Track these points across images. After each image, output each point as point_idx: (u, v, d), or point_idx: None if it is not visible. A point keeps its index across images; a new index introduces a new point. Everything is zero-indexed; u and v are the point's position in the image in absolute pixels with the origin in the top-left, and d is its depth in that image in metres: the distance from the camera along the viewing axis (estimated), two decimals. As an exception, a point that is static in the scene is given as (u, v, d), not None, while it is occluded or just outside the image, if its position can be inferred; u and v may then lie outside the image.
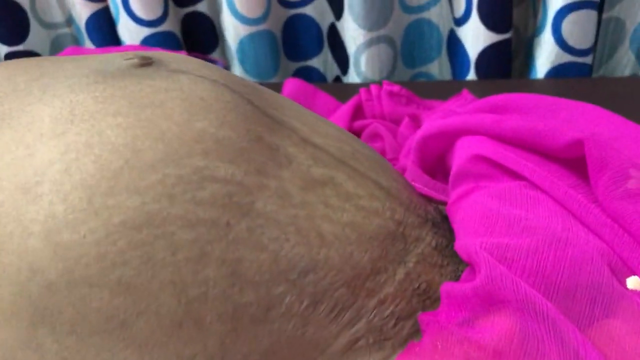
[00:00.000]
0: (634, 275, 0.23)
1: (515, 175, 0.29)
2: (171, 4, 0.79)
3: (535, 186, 0.27)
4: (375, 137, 0.53)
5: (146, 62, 0.27)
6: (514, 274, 0.22)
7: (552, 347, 0.20)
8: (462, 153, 0.32)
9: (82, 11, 0.80)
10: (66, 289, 0.21)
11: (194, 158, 0.23)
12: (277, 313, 0.22)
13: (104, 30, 0.81)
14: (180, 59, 0.29)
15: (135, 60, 0.27)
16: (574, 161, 0.28)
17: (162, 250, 0.21)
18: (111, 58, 0.28)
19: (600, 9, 0.67)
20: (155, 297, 0.21)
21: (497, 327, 0.20)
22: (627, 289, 0.22)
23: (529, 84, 0.71)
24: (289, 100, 0.31)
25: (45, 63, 0.28)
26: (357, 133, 0.55)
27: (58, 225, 0.21)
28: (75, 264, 0.21)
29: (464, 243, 0.25)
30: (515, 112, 0.37)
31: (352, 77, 0.78)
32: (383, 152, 0.51)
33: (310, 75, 0.84)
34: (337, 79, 0.83)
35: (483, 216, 0.26)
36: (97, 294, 0.21)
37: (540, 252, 0.22)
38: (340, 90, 0.73)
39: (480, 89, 0.61)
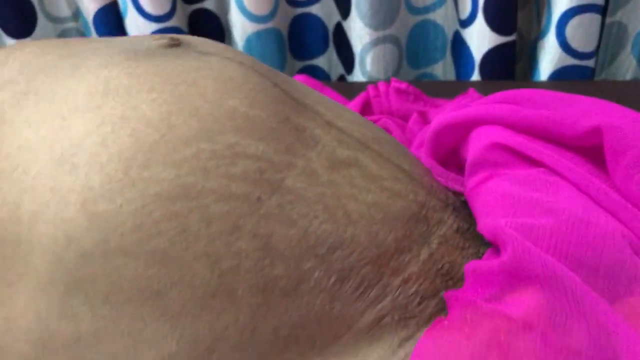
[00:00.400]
0: (653, 256, 0.23)
1: (533, 163, 0.29)
2: (179, 1, 0.79)
3: (553, 172, 0.28)
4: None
5: (175, 43, 0.28)
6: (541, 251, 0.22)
7: (580, 321, 0.20)
8: (478, 142, 0.33)
9: (90, 5, 0.80)
10: (101, 259, 0.21)
11: (226, 134, 0.23)
12: (307, 287, 0.23)
13: (111, 25, 0.82)
14: (206, 42, 0.30)
15: (165, 41, 0.27)
16: (588, 150, 0.29)
17: (197, 222, 0.22)
18: (140, 39, 0.29)
19: (603, 13, 0.68)
20: (189, 268, 0.21)
21: (526, 301, 0.21)
22: (647, 268, 0.23)
23: (532, 86, 0.71)
24: (311, 89, 0.31)
25: (72, 42, 0.28)
26: (366, 128, 0.56)
27: (95, 196, 0.21)
28: (111, 233, 0.21)
29: (488, 223, 0.25)
30: (529, 106, 0.38)
31: (357, 76, 0.79)
32: (392, 147, 0.52)
33: (314, 74, 0.85)
34: (341, 79, 0.84)
35: (505, 199, 0.26)
36: (131, 264, 0.21)
37: (564, 231, 0.23)
38: (345, 88, 0.73)
39: (484, 90, 0.61)
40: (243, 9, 0.76)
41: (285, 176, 0.24)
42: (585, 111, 0.36)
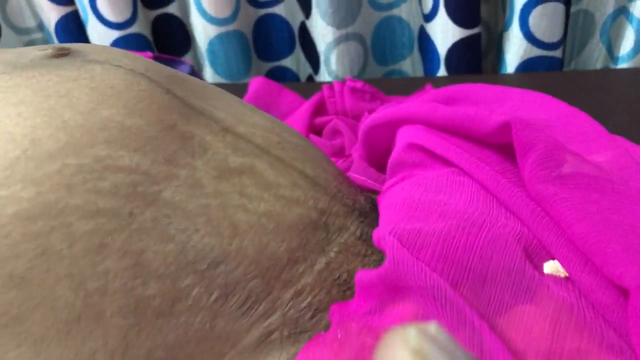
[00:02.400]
0: (552, 259, 0.22)
1: (446, 163, 0.28)
2: (140, 6, 0.78)
3: (463, 172, 0.27)
4: (336, 133, 0.53)
5: (61, 53, 0.26)
6: (423, 259, 0.21)
7: (455, 334, 0.19)
8: (399, 142, 0.31)
9: (50, 15, 0.79)
10: None
11: (96, 147, 0.22)
12: (184, 306, 0.22)
13: (73, 33, 0.81)
14: (103, 50, 0.29)
15: (49, 51, 0.26)
16: (508, 147, 0.28)
17: (59, 242, 0.20)
18: (27, 50, 0.27)
19: (567, 1, 0.66)
20: (51, 290, 0.20)
21: (400, 314, 0.20)
22: (542, 274, 0.22)
23: (499, 79, 0.70)
24: (219, 91, 0.30)
25: None
26: (318, 129, 0.55)
27: None
28: None
29: (376, 231, 0.24)
30: (465, 102, 0.37)
31: (324, 76, 0.78)
32: (342, 148, 0.51)
33: (283, 75, 0.84)
34: (310, 78, 0.83)
35: (403, 203, 0.25)
36: None
37: (452, 236, 0.22)
38: (313, 89, 0.72)
39: (450, 85, 0.60)
40: (203, 13, 0.75)
41: (163, 188, 0.22)
42: (518, 108, 0.34)
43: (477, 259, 0.21)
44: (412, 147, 0.30)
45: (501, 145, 0.28)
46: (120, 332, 0.21)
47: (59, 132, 0.22)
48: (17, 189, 0.21)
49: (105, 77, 0.25)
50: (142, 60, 0.28)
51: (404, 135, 0.31)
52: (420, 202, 0.25)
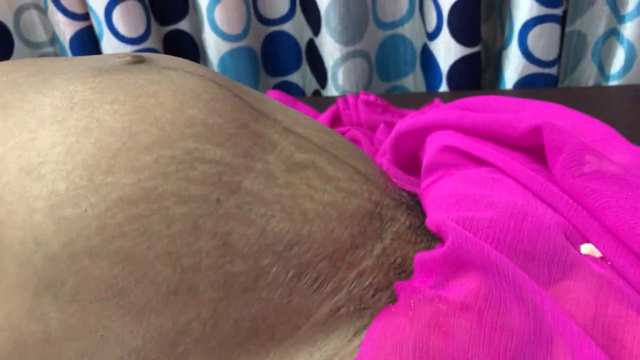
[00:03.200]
0: (587, 242, 0.25)
1: (481, 162, 0.31)
2: (153, 22, 0.81)
3: (499, 170, 0.30)
4: (353, 142, 0.56)
5: (138, 60, 0.29)
6: (479, 240, 0.24)
7: (515, 302, 0.22)
8: (431, 146, 0.34)
9: (65, 29, 0.81)
10: (68, 260, 0.22)
11: (185, 141, 0.25)
12: (265, 282, 0.24)
13: (88, 48, 0.83)
14: (169, 58, 0.31)
15: (129, 58, 0.29)
16: (534, 149, 0.31)
17: (158, 223, 0.23)
18: (105, 57, 0.30)
19: (563, 22, 0.71)
20: (151, 266, 0.23)
21: (465, 285, 0.23)
22: (581, 254, 0.25)
23: (498, 95, 0.74)
24: (271, 99, 0.33)
25: (41, 61, 0.30)
26: (336, 139, 0.58)
27: (61, 201, 0.22)
28: (77, 236, 0.22)
29: (433, 217, 0.27)
30: (483, 110, 0.40)
31: (331, 91, 0.81)
32: (361, 156, 0.54)
33: (289, 90, 0.87)
34: (316, 93, 0.86)
35: (450, 195, 0.28)
36: (97, 264, 0.22)
37: (502, 222, 0.25)
38: (320, 102, 0.75)
39: (452, 100, 0.64)
40: (216, 29, 0.78)
41: (244, 178, 0.25)
42: (535, 115, 0.38)
43: (525, 241, 0.24)
44: (448, 149, 0.33)
45: (527, 148, 0.31)
46: (211, 305, 0.23)
47: (152, 127, 0.25)
48: (120, 176, 0.23)
49: (182, 81, 0.27)
50: (205, 68, 0.31)
51: (437, 139, 0.34)
52: (466, 194, 0.28)
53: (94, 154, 0.23)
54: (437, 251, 0.24)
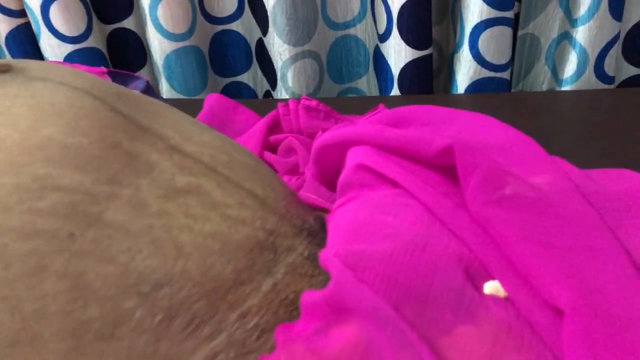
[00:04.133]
0: (493, 279, 0.23)
1: (392, 184, 0.28)
2: (95, 20, 0.77)
3: (408, 194, 0.27)
4: (290, 150, 0.53)
5: (2, 70, 0.26)
6: (367, 280, 0.21)
7: (394, 357, 0.19)
8: (348, 163, 0.32)
9: (1, 26, 0.77)
10: None
11: (34, 165, 0.21)
12: (127, 329, 0.21)
13: (25, 46, 0.79)
14: (47, 67, 0.28)
15: (-9, 68, 0.26)
16: (452, 169, 0.28)
17: None
18: (-32, 66, 0.27)
19: (515, 25, 0.69)
20: None
21: (343, 336, 0.20)
22: (483, 294, 0.22)
23: (450, 99, 0.72)
24: (168, 109, 0.30)
25: None
26: (273, 147, 0.55)
27: None
28: None
29: (323, 252, 0.24)
30: (414, 124, 0.38)
31: (281, 93, 0.78)
32: (296, 166, 0.51)
33: (240, 91, 0.84)
34: (268, 94, 0.83)
35: (349, 224, 0.25)
36: None
37: (395, 258, 0.22)
38: (269, 105, 0.72)
39: (403, 104, 0.62)
40: (159, 27, 0.74)
41: (105, 208, 0.22)
42: (464, 130, 0.35)
43: (419, 281, 0.21)
44: (361, 167, 0.30)
45: (445, 167, 0.29)
46: (57, 357, 0.20)
47: None
48: None
49: (46, 95, 0.24)
50: (88, 78, 0.28)
51: (353, 156, 0.32)
52: (365, 223, 0.25)
53: None
54: (320, 293, 0.22)
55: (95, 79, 0.28)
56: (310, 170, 0.39)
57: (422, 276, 0.21)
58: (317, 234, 0.28)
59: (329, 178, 0.38)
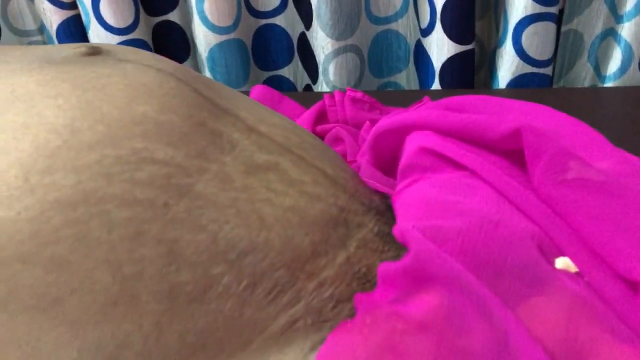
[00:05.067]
0: (563, 256, 0.24)
1: (457, 166, 0.29)
2: (142, 12, 0.79)
3: (474, 175, 0.28)
4: (337, 140, 0.54)
5: (93, 52, 0.27)
6: (445, 252, 0.22)
7: (476, 322, 0.20)
8: (409, 147, 0.33)
9: (52, 18, 0.79)
10: None
11: (132, 140, 0.23)
12: (215, 293, 0.23)
13: (75, 37, 0.81)
14: (130, 50, 0.30)
15: (83, 49, 0.27)
16: (515, 153, 0.29)
17: (98, 228, 0.21)
18: (60, 48, 0.28)
19: (559, 21, 0.69)
20: (89, 274, 0.21)
21: (425, 302, 0.21)
22: (555, 268, 0.23)
23: (491, 94, 0.72)
24: (239, 93, 0.31)
25: None
26: (320, 137, 0.56)
27: None
28: (8, 241, 0.21)
29: (399, 225, 0.25)
30: (470, 112, 0.39)
31: (322, 86, 0.79)
32: (344, 155, 0.52)
33: (280, 85, 0.85)
34: (307, 88, 0.84)
35: (420, 202, 0.26)
36: (29, 270, 0.21)
37: (471, 233, 0.23)
38: (310, 98, 0.74)
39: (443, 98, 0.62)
40: (205, 20, 0.76)
41: (196, 181, 0.23)
42: (515, 115, 0.36)
43: (495, 254, 0.22)
44: (424, 151, 0.31)
45: (508, 151, 0.30)
46: (154, 317, 0.22)
47: (97, 124, 0.23)
48: (59, 176, 0.21)
49: (137, 75, 0.26)
50: (168, 61, 0.29)
51: (415, 140, 0.33)
52: (437, 201, 0.26)
53: (30, 153, 0.22)
54: (400, 263, 0.23)
55: (175, 63, 0.30)
56: (366, 157, 0.40)
57: (498, 250, 0.22)
58: (384, 214, 0.29)
59: (384, 164, 0.39)
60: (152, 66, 0.27)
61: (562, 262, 0.23)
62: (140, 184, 0.22)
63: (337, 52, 0.75)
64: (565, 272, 0.23)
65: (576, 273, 0.23)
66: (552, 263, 0.23)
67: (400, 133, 0.36)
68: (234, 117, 0.27)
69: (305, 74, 0.83)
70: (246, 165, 0.25)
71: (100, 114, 0.23)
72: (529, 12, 0.66)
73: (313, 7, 0.72)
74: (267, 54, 0.83)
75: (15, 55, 0.27)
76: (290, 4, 0.78)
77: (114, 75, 0.25)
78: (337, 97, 0.59)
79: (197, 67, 0.84)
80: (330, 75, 0.77)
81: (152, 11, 0.81)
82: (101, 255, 0.21)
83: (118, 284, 0.21)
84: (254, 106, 0.30)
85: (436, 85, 0.74)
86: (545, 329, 0.20)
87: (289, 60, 0.84)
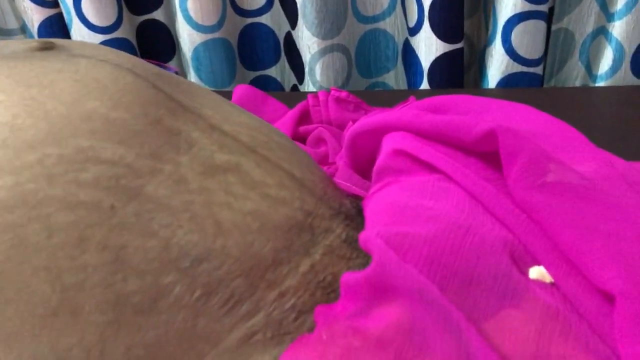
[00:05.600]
0: (538, 265, 0.22)
1: (431, 169, 0.28)
2: (125, 11, 0.78)
3: (448, 178, 0.27)
4: (320, 141, 0.52)
5: (45, 47, 0.26)
6: (410, 262, 0.21)
7: (437, 338, 0.19)
8: (384, 148, 0.31)
9: (34, 17, 0.78)
10: None
11: (78, 138, 0.21)
12: (165, 304, 0.21)
13: (57, 36, 0.80)
14: (89, 46, 0.28)
15: (34, 44, 0.26)
16: (492, 155, 0.28)
17: (36, 233, 0.20)
18: (10, 43, 0.27)
19: (549, 20, 0.67)
20: (26, 283, 0.20)
21: (385, 316, 0.20)
22: (528, 279, 0.21)
23: (480, 94, 0.71)
24: (206, 91, 0.30)
25: None
26: (303, 138, 0.55)
27: None
28: None
29: (363, 233, 0.24)
30: (450, 112, 0.37)
31: (308, 86, 0.78)
32: (326, 156, 0.51)
33: (267, 85, 0.84)
34: (295, 88, 0.83)
35: (389, 207, 0.25)
36: None
37: (439, 240, 0.21)
38: (297, 98, 0.72)
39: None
40: (189, 19, 0.75)
41: (147, 182, 0.22)
42: (502, 118, 0.35)
43: (463, 263, 0.21)
44: (398, 153, 0.30)
45: (485, 153, 0.28)
46: (97, 329, 0.20)
47: (40, 121, 0.21)
48: None
49: (90, 71, 0.24)
50: (128, 57, 0.28)
51: (390, 142, 0.31)
52: (406, 206, 0.24)
53: None
54: (361, 273, 0.21)
55: (135, 58, 0.28)
56: (343, 159, 0.39)
57: (467, 258, 0.21)
58: (354, 218, 0.27)
59: (361, 166, 0.37)
60: (108, 61, 0.26)
61: (537, 272, 0.22)
62: (85, 185, 0.21)
63: (323, 52, 0.74)
64: (539, 283, 0.21)
65: (551, 283, 0.21)
66: (525, 273, 0.22)
67: (377, 134, 0.34)
68: (196, 115, 0.26)
69: (292, 74, 0.82)
70: (204, 166, 0.24)
71: (43, 111, 0.22)
72: (519, 10, 0.64)
73: (298, 5, 0.71)
74: (253, 54, 0.81)
75: (-38, 51, 0.26)
76: (276, 3, 0.77)
77: (64, 71, 0.24)
78: (321, 97, 0.57)
79: (181, 67, 0.82)
80: (317, 75, 0.75)
81: (136, 10, 0.79)
82: (40, 262, 0.20)
83: (58, 293, 0.20)
84: (221, 104, 0.29)
85: (425, 85, 0.73)
86: (515, 345, 0.19)
87: (275, 60, 0.82)
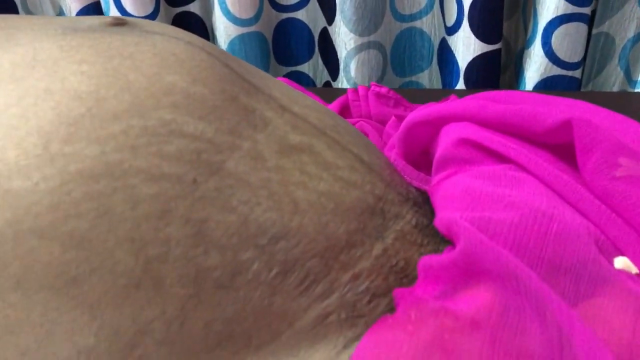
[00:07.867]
0: (622, 255, 0.22)
1: (500, 159, 0.28)
2: (162, 2, 0.78)
3: (520, 168, 0.26)
4: (361, 135, 0.52)
5: (119, 23, 0.26)
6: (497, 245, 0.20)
7: (535, 321, 0.18)
8: (446, 138, 0.31)
9: (72, 5, 0.78)
10: (13, 241, 0.19)
11: (161, 110, 0.21)
12: (244, 280, 0.21)
13: (92, 25, 0.80)
14: (156, 24, 0.28)
15: (109, 20, 0.26)
16: (561, 147, 0.27)
17: (121, 203, 0.20)
18: (84, 18, 0.27)
19: (590, 23, 0.67)
20: (110, 253, 0.19)
21: (477, 298, 0.19)
22: (615, 268, 0.21)
23: (518, 96, 0.70)
24: (271, 76, 0.30)
25: (10, 17, 0.27)
26: (343, 132, 0.54)
27: (9, 171, 0.19)
28: (25, 213, 0.19)
29: (444, 216, 0.23)
30: (506, 104, 0.37)
31: (342, 83, 0.77)
32: (368, 150, 0.50)
33: (299, 81, 0.83)
34: (327, 85, 0.83)
35: (464, 193, 0.24)
36: (46, 247, 0.19)
37: (524, 226, 0.21)
38: (329, 94, 0.72)
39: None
40: (227, 12, 0.75)
41: (227, 158, 0.22)
42: (559, 108, 0.34)
43: (550, 249, 0.20)
44: (463, 142, 0.29)
45: (552, 145, 0.28)
46: (179, 302, 0.20)
47: (124, 92, 0.21)
48: (81, 146, 0.20)
49: (166, 45, 0.24)
50: (197, 37, 0.28)
51: (453, 132, 0.31)
52: (483, 192, 0.24)
53: (52, 120, 0.20)
54: (446, 255, 0.21)
55: (204, 39, 0.28)
56: (395, 150, 0.38)
57: (553, 246, 0.20)
58: (422, 205, 0.27)
59: (414, 157, 0.37)
60: (181, 39, 0.26)
61: (622, 262, 0.21)
62: (168, 158, 0.21)
63: (359, 49, 0.73)
64: (625, 273, 0.21)
65: (637, 274, 0.21)
66: (611, 262, 0.21)
67: (435, 124, 0.34)
68: (267, 95, 0.26)
69: (325, 71, 0.82)
70: (280, 145, 0.23)
71: (126, 82, 0.21)
72: (560, 12, 0.64)
73: (337, 1, 0.71)
74: (287, 49, 0.81)
75: (38, 23, 0.26)
76: (313, -2, 0.77)
77: (142, 44, 0.24)
78: (361, 92, 0.57)
79: (215, 60, 0.82)
80: (351, 72, 0.75)
81: (172, 1, 0.79)
82: (124, 233, 0.20)
83: (141, 265, 0.20)
84: (285, 88, 0.29)
85: (460, 85, 0.72)
86: (609, 333, 0.18)
87: (309, 56, 0.82)
